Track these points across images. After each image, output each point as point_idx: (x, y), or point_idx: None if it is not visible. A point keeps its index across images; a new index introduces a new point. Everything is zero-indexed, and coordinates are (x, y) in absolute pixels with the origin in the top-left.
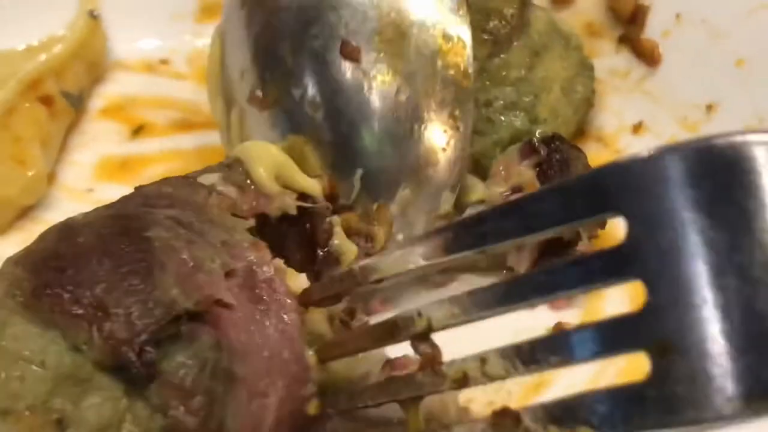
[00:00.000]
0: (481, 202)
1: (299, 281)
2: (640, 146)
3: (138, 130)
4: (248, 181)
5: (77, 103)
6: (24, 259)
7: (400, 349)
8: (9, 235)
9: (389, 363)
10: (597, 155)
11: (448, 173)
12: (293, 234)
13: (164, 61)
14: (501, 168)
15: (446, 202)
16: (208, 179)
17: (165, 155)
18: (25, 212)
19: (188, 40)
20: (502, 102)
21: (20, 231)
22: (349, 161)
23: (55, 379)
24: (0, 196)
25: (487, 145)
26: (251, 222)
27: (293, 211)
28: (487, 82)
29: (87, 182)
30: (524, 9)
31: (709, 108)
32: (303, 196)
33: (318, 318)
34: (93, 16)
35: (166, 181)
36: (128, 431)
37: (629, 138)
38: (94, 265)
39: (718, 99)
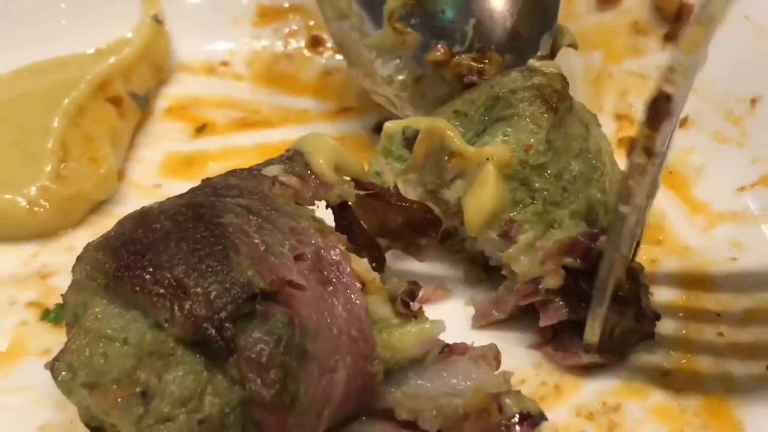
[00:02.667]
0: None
1: (362, 265)
2: (686, 140)
3: (201, 129)
4: (309, 172)
5: (143, 103)
6: (104, 244)
7: (458, 337)
8: (83, 228)
9: (448, 347)
10: None
11: (546, 19)
12: (363, 218)
13: (225, 63)
14: (541, 253)
15: (545, 46)
16: (271, 171)
17: (226, 152)
18: (97, 207)
19: (247, 42)
20: (573, 173)
21: (93, 224)
22: (464, 11)
23: (138, 355)
24: (75, 192)
25: (566, 214)
26: (314, 209)
27: (352, 199)
28: (554, 155)
29: (154, 178)
30: (567, 85)
31: (753, 102)
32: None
33: (379, 300)
34: (157, 21)
35: (231, 173)
36: (209, 402)
37: (676, 132)
38: (172, 248)
39: (761, 93)
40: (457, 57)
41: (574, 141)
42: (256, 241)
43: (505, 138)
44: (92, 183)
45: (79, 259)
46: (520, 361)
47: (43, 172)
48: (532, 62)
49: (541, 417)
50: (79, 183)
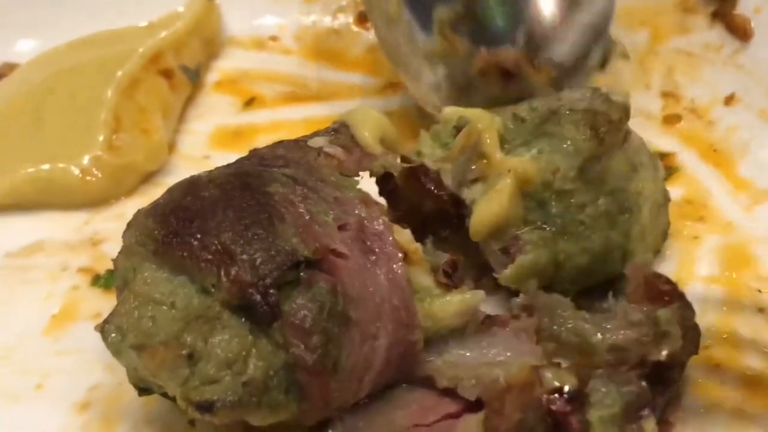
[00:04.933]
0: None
1: (405, 236)
2: (732, 117)
3: (249, 102)
4: (354, 143)
5: (194, 77)
6: (153, 211)
7: (500, 308)
8: (134, 197)
9: (489, 318)
10: (690, 127)
11: (599, 30)
12: (401, 192)
13: (274, 38)
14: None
15: (595, 56)
16: (316, 142)
17: (274, 125)
18: (148, 177)
19: (296, 18)
20: (599, 210)
21: (144, 194)
22: (515, 20)
23: (186, 319)
24: (127, 162)
25: (576, 249)
26: (359, 180)
27: (396, 170)
28: (583, 185)
29: (203, 150)
30: (627, 119)
31: None
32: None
33: (421, 270)
34: None
35: (278, 144)
36: (254, 365)
37: (722, 109)
38: (220, 216)
39: None
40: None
41: (613, 178)
42: (301, 210)
43: (538, 154)
44: (143, 154)
45: (129, 225)
46: None
47: (96, 143)
48: (605, 88)
49: (580, 391)
50: (131, 153)
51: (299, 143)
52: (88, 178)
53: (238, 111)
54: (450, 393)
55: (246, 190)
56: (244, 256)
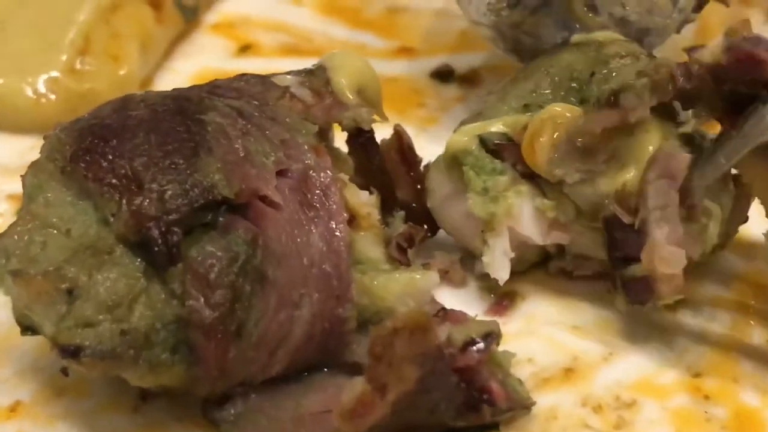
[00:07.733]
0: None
1: (359, 197)
2: None
3: (244, 49)
4: (327, 89)
5: (191, 15)
6: (72, 125)
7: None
8: None
9: (444, 312)
10: None
11: None
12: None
13: None
14: None
15: None
16: (284, 80)
17: None
18: None
19: None
20: None
21: None
22: None
23: (75, 249)
24: (88, 89)
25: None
26: (316, 127)
27: (367, 124)
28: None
29: None
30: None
31: None
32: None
33: (371, 239)
34: None
35: (242, 76)
36: (139, 313)
37: None
38: (140, 138)
39: None
40: None
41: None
42: (236, 146)
43: None
44: (108, 83)
45: (44, 137)
46: (535, 338)
47: (58, 63)
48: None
49: (491, 338)
50: (94, 80)
51: (264, 78)
52: (42, 100)
53: (230, 56)
54: None
55: (177, 115)
56: (153, 185)
